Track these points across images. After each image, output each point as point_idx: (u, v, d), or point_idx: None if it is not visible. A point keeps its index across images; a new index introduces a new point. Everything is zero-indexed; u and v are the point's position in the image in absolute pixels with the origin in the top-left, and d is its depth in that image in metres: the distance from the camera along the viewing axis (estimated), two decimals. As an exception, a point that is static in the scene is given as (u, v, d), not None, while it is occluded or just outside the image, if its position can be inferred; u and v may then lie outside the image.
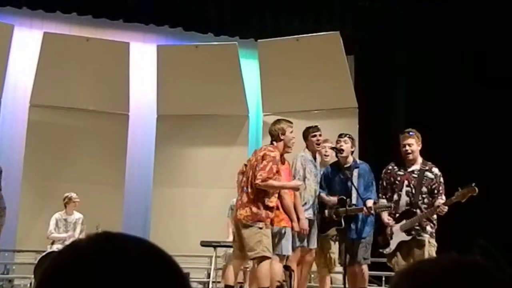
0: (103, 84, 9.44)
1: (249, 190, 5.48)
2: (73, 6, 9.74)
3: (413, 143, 5.55)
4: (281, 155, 5.67)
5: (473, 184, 5.17)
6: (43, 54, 9.22)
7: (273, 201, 5.52)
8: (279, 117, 6.20)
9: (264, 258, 5.34)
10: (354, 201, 5.86)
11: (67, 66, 9.30)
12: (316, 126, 6.19)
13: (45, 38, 9.29)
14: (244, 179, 5.62)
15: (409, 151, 5.53)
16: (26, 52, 9.89)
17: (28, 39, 10.01)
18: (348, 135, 6.10)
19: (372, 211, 5.64)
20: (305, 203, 5.94)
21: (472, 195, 5.18)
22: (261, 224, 5.38)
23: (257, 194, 5.43)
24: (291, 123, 5.80)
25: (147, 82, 10.20)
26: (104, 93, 9.47)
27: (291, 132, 5.70)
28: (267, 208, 5.45)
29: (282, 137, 5.63)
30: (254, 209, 5.40)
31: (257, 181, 5.37)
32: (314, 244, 6.01)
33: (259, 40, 9.83)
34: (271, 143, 5.70)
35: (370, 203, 5.68)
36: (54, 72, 9.23)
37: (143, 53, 10.37)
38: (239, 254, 5.62)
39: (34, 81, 9.30)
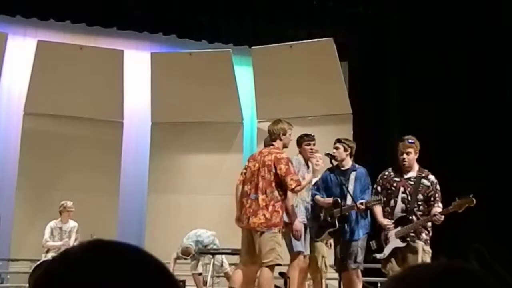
0: (97, 91, 9.43)
1: (261, 196, 5.43)
2: (67, 14, 9.73)
3: (411, 152, 5.56)
4: None
5: (471, 195, 5.17)
6: (37, 62, 9.21)
7: (283, 206, 5.54)
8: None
9: (273, 266, 5.33)
10: (348, 203, 5.85)
11: (61, 74, 9.29)
12: (312, 135, 6.20)
13: (39, 46, 9.29)
14: (249, 186, 5.56)
15: (406, 159, 5.54)
16: (20, 60, 9.88)
17: (22, 47, 10.00)
18: (340, 140, 6.12)
19: (363, 206, 5.65)
20: (295, 206, 5.95)
21: (469, 205, 5.18)
22: (276, 229, 5.37)
23: (274, 199, 5.42)
24: (292, 125, 5.81)
25: (141, 90, 10.20)
26: (98, 101, 9.46)
27: (290, 134, 5.74)
28: (282, 212, 5.47)
29: (282, 137, 5.65)
30: (268, 215, 5.38)
31: (291, 187, 5.40)
32: (308, 250, 6.00)
33: (253, 47, 9.85)
34: (271, 144, 5.67)
35: (364, 201, 5.72)
36: (48, 80, 9.22)
37: (137, 61, 10.37)
38: (247, 260, 5.58)
39: (28, 89, 9.28)
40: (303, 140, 6.14)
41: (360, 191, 5.88)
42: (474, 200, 5.13)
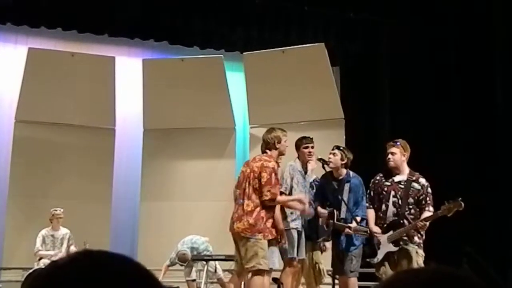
0: (89, 98, 9.41)
1: (246, 201, 5.44)
2: (58, 21, 9.71)
3: (396, 152, 5.57)
4: (277, 163, 5.67)
5: (460, 199, 5.19)
6: (28, 69, 9.18)
7: (268, 213, 5.49)
8: (266, 128, 6.13)
9: (260, 271, 5.31)
10: (343, 215, 5.84)
11: (53, 81, 9.26)
12: (310, 138, 6.14)
13: (30, 54, 9.25)
14: (239, 191, 5.58)
15: (391, 159, 5.57)
16: (11, 68, 9.85)
17: (13, 55, 9.97)
18: (339, 147, 6.10)
19: (351, 232, 5.68)
20: (292, 213, 5.93)
21: (458, 210, 5.20)
22: (259, 236, 5.35)
23: (259, 206, 5.40)
24: (285, 131, 5.80)
25: (133, 96, 10.18)
26: (90, 108, 9.43)
27: (286, 141, 5.72)
28: (267, 219, 5.43)
29: (277, 146, 5.63)
30: (252, 221, 5.36)
31: (265, 198, 5.37)
32: (302, 255, 5.99)
33: (244, 53, 9.86)
34: (265, 152, 5.68)
35: (354, 222, 5.74)
36: (40, 87, 9.19)
37: (129, 67, 10.36)
38: (239, 268, 5.58)
39: (20, 97, 9.25)
40: (301, 143, 6.07)
41: (354, 203, 5.88)
42: (463, 204, 5.16)
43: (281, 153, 5.71)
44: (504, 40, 9.24)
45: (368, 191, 5.78)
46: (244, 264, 5.36)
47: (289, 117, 9.12)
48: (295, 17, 10.40)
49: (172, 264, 8.09)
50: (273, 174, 5.45)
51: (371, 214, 5.67)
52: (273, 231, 5.51)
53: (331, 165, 5.89)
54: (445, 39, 9.77)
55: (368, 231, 5.58)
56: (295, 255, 5.85)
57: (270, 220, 5.47)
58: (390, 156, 5.57)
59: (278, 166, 5.70)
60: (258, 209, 5.41)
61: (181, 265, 8.02)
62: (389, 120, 10.16)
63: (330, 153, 5.99)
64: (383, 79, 10.45)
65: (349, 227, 5.66)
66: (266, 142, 5.68)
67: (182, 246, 7.99)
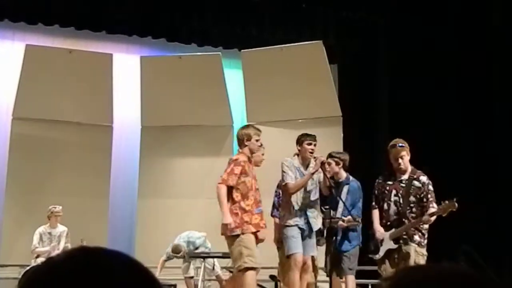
0: (86, 96, 9.39)
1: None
2: (56, 18, 9.70)
3: (405, 155, 5.59)
4: (249, 158, 5.66)
5: (454, 199, 5.22)
6: (25, 66, 9.15)
7: (249, 204, 5.47)
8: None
9: (248, 269, 5.30)
10: (338, 215, 6.00)
11: (50, 78, 9.24)
12: (314, 135, 6.05)
13: (27, 51, 9.23)
14: None
15: (401, 164, 5.56)
16: (9, 64, 9.83)
17: (10, 51, 9.95)
18: (331, 155, 6.14)
19: (345, 224, 5.88)
20: (293, 209, 5.91)
21: (453, 210, 5.23)
22: (237, 231, 5.35)
23: (231, 202, 5.44)
24: (260, 131, 5.78)
25: (131, 93, 10.17)
26: (88, 105, 9.42)
27: (257, 140, 5.68)
28: (243, 212, 5.43)
29: (246, 143, 5.62)
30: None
31: (218, 182, 5.41)
32: (309, 253, 5.83)
33: (242, 50, 9.85)
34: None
35: (346, 218, 5.93)
36: (37, 84, 9.17)
37: (127, 64, 10.34)
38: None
39: (17, 94, 9.23)
40: (304, 138, 5.96)
41: (350, 205, 6.00)
42: (457, 204, 5.19)
43: (251, 151, 5.68)
44: (503, 39, 9.24)
45: (373, 191, 5.82)
46: (233, 265, 5.38)
47: (286, 115, 9.13)
48: (293, 15, 10.40)
49: (169, 258, 8.09)
50: (232, 164, 5.48)
51: (375, 214, 5.69)
52: (252, 225, 5.46)
53: (328, 175, 5.90)
54: (443, 38, 9.77)
55: (360, 220, 5.78)
56: (291, 251, 5.76)
57: (246, 214, 5.44)
58: (400, 161, 5.56)
59: (250, 162, 5.67)
60: (230, 205, 5.45)
61: (176, 257, 8.00)
62: (386, 117, 10.17)
63: (326, 163, 6.03)
64: (381, 77, 10.45)
65: (343, 220, 5.80)
66: (237, 138, 5.75)
67: (178, 240, 8.00)
